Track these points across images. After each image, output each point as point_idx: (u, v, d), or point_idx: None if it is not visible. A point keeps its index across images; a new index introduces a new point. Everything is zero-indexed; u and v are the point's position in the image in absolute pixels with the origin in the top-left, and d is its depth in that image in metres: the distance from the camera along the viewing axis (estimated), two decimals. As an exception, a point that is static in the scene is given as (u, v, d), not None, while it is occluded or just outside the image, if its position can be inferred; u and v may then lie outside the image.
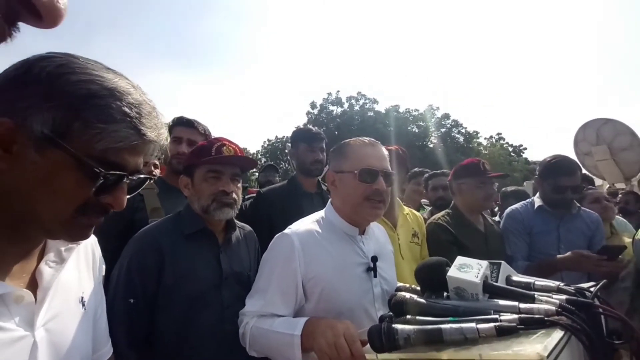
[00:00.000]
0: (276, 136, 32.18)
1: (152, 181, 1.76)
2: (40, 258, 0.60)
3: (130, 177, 0.57)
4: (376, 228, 1.37)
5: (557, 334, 0.61)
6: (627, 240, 2.26)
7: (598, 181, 6.79)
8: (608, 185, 6.81)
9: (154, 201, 1.70)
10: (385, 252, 1.32)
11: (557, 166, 2.06)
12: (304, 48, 65.03)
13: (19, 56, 0.50)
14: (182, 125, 1.94)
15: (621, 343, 0.74)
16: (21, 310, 0.53)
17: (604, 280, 0.85)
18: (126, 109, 0.52)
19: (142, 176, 0.60)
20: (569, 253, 1.87)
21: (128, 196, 0.59)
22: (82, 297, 0.67)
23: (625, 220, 2.97)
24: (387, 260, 1.30)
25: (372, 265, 1.18)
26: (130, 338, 1.12)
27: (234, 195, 1.33)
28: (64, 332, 0.61)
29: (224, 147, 1.36)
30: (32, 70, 0.49)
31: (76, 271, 0.68)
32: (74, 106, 0.49)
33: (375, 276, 1.17)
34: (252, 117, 58.97)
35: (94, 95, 0.50)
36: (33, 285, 0.57)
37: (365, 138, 1.28)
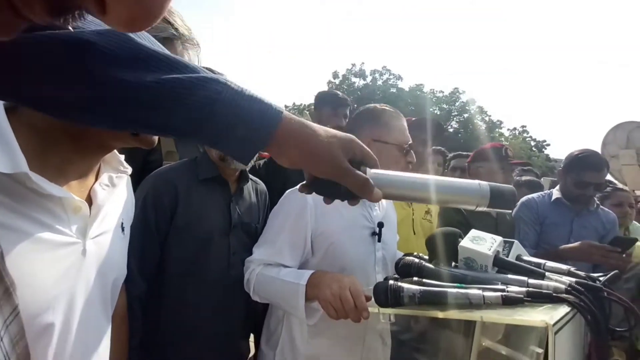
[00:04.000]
0: (294, 103, 31.75)
1: None
2: (95, 182, 0.65)
3: None
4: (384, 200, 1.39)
5: (563, 309, 0.61)
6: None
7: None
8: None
9: (170, 145, 1.73)
10: (390, 221, 1.35)
11: (584, 161, 1.99)
12: (331, 15, 62.46)
13: None
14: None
15: (623, 330, 0.75)
16: (77, 220, 0.59)
17: (616, 271, 0.84)
18: None
19: None
20: (577, 243, 1.84)
21: None
22: (122, 224, 0.73)
23: (640, 225, 2.90)
24: (390, 228, 1.33)
25: (377, 230, 1.21)
26: (141, 268, 1.18)
27: None
28: (108, 250, 0.66)
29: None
30: None
31: (121, 199, 0.73)
32: None
33: (379, 241, 1.21)
34: (270, 81, 58.12)
35: None
36: (88, 202, 0.62)
37: (391, 107, 1.29)
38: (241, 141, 0.46)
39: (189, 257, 1.25)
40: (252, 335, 1.59)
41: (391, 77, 30.42)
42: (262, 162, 2.38)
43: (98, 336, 0.65)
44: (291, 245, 1.11)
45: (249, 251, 1.24)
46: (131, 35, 0.42)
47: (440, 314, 0.65)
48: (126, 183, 0.77)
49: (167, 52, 0.45)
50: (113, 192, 0.69)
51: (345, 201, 0.56)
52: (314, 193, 0.57)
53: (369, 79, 30.34)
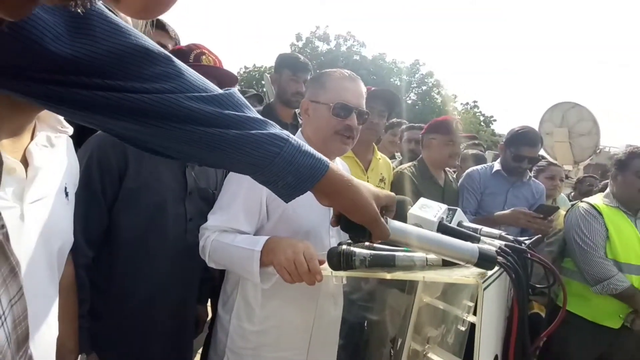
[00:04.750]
0: (254, 64, 30.23)
1: None
2: (30, 141, 0.60)
3: None
4: (340, 164, 1.41)
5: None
6: (563, 212, 2.53)
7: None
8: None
9: None
10: None
11: (521, 136, 2.18)
12: (297, -31, 58.67)
13: None
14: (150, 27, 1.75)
15: (543, 287, 0.87)
16: (12, 182, 0.54)
17: (539, 235, 0.96)
18: None
19: None
20: (509, 210, 2.06)
21: None
22: (66, 188, 0.68)
23: (565, 196, 3.29)
24: None
25: None
26: (86, 235, 1.11)
27: None
28: (49, 215, 0.62)
29: (204, 56, 1.27)
30: None
31: (62, 162, 0.68)
32: None
33: None
34: (229, 40, 54.44)
35: None
36: (24, 164, 0.57)
37: (346, 71, 1.26)
38: (289, 187, 0.58)
39: (142, 224, 1.20)
40: (210, 300, 1.61)
41: (355, 43, 29.91)
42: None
43: (46, 304, 0.63)
44: (246, 211, 1.10)
45: (207, 218, 1.22)
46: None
47: (388, 276, 0.71)
48: (66, 144, 0.71)
49: (250, 113, 0.54)
50: (52, 153, 0.64)
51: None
52: None
53: (332, 44, 29.60)
